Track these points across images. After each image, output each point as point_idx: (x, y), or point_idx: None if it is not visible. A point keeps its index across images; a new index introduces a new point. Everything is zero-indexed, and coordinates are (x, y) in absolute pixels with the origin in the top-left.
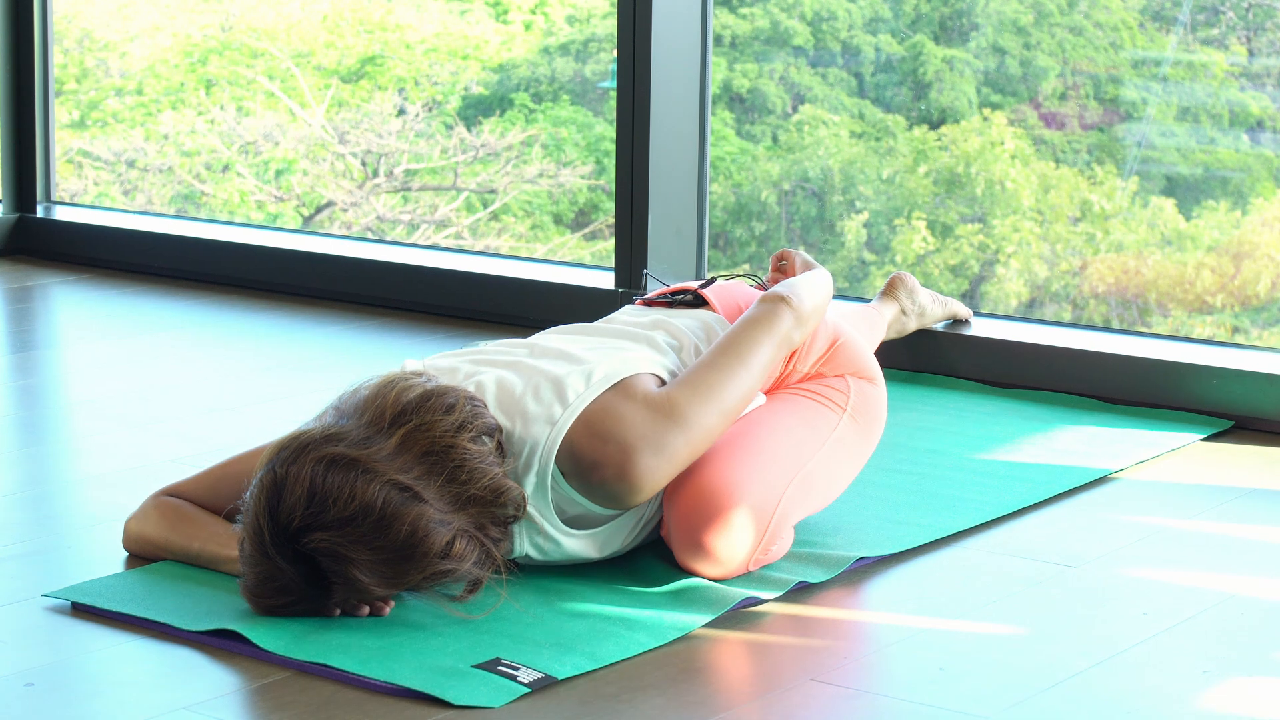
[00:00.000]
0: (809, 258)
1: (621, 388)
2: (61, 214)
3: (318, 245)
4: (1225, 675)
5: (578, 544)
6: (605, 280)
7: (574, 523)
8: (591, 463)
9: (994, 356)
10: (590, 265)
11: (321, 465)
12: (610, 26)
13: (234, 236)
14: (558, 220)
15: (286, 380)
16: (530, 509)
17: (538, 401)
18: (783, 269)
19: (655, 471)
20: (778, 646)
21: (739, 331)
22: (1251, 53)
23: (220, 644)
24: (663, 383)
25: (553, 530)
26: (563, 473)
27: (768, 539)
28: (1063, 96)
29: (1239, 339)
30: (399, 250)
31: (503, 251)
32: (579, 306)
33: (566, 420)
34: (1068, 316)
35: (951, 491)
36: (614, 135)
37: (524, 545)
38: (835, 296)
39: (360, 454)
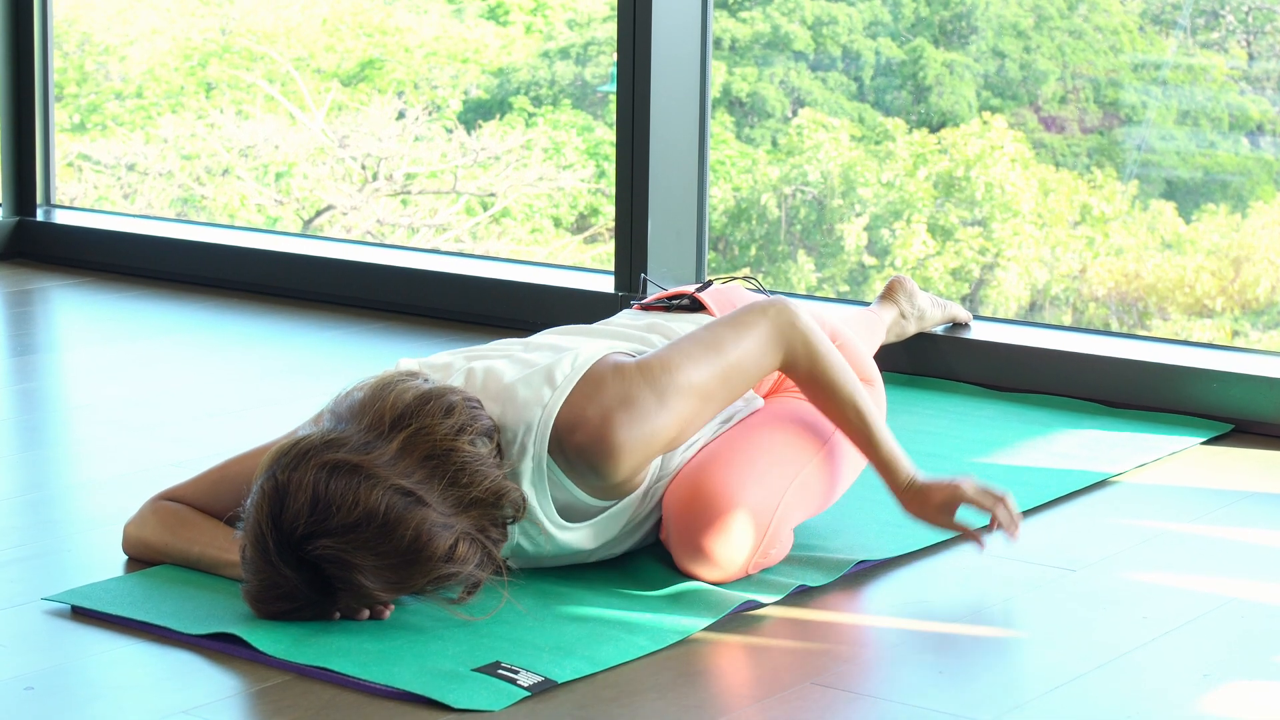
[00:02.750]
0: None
1: (600, 361)
2: (61, 218)
3: (318, 249)
4: (1226, 679)
5: (570, 536)
6: (605, 284)
7: (565, 512)
8: (570, 428)
9: (994, 360)
10: (590, 269)
11: (324, 472)
12: (610, 30)
13: (234, 240)
14: (558, 224)
15: (287, 384)
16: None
17: (528, 387)
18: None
19: (629, 430)
20: (777, 650)
21: (724, 318)
22: (1251, 56)
23: (220, 647)
24: None
25: (545, 521)
26: (550, 454)
27: (767, 542)
28: (1063, 100)
29: (1239, 342)
30: (399, 254)
31: (503, 255)
32: (579, 310)
33: (557, 400)
34: (1068, 320)
35: None
36: (614, 139)
37: (514, 536)
38: (835, 300)
39: (362, 459)
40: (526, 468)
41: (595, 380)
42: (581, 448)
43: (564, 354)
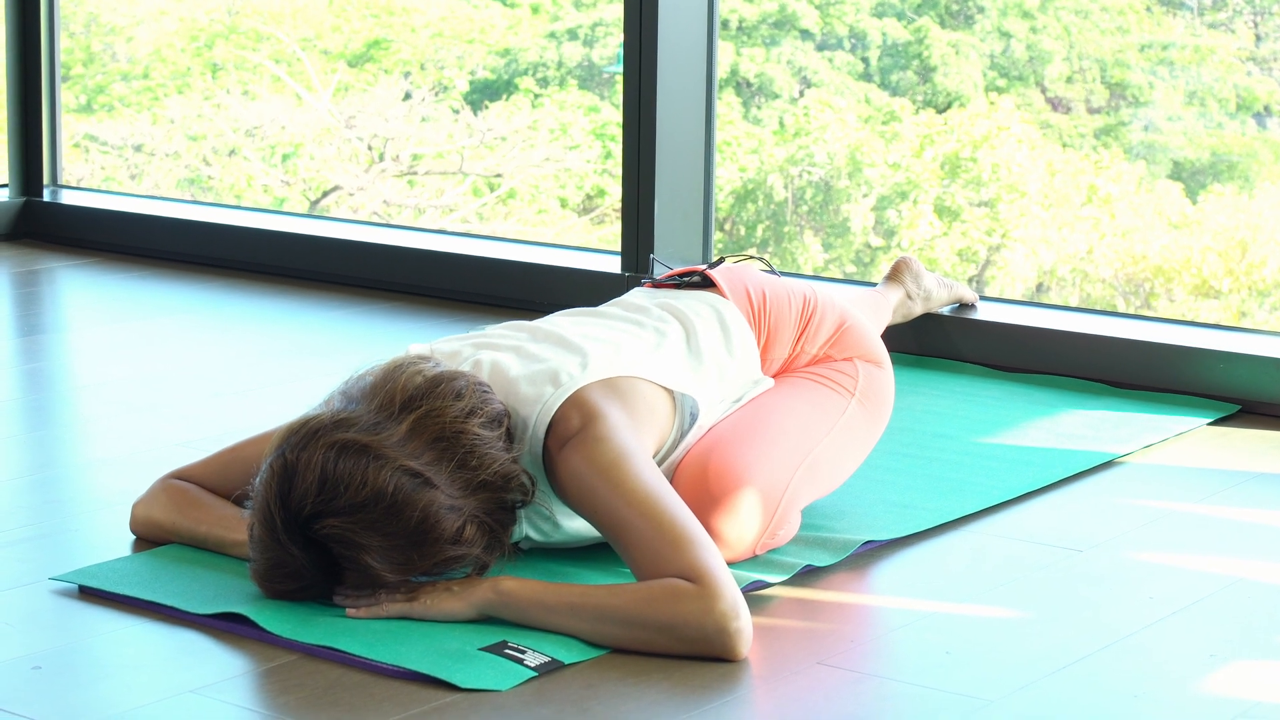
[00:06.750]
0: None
1: (610, 383)
2: (68, 198)
3: (324, 229)
4: (1231, 659)
5: (579, 523)
6: (612, 264)
7: None
8: (560, 430)
9: (1000, 341)
10: (597, 249)
11: (333, 451)
12: (617, 11)
13: (240, 221)
14: (564, 204)
15: (293, 364)
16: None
17: (531, 384)
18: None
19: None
20: (784, 630)
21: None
22: (1259, 37)
23: (227, 627)
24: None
25: (552, 510)
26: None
27: (775, 523)
28: (1069, 81)
29: (1246, 323)
30: (406, 234)
31: (509, 235)
32: (586, 290)
33: (556, 400)
34: (1074, 300)
35: (958, 476)
36: (621, 120)
37: (524, 527)
38: (841, 281)
39: (371, 440)
40: (525, 463)
41: (592, 395)
42: (567, 436)
43: (573, 356)
